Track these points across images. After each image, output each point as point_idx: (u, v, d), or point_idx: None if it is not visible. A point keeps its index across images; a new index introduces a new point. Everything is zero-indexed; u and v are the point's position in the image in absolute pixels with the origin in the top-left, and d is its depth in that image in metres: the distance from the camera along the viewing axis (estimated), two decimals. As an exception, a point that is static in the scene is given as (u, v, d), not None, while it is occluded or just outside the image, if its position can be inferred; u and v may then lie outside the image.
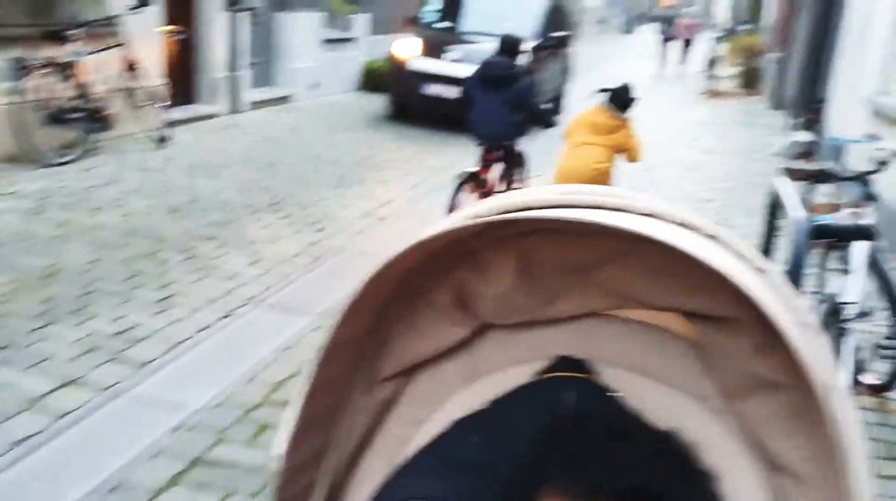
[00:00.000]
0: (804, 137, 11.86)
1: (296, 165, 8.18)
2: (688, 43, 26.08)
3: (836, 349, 3.19)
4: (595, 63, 24.88)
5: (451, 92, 9.90)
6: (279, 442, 0.62)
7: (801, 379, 0.52)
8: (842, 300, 3.40)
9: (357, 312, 0.63)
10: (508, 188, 6.64)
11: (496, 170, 6.37)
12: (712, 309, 0.62)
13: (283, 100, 11.66)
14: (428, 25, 12.09)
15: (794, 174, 10.53)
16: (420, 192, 7.82)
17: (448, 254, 0.67)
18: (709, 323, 0.64)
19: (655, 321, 0.71)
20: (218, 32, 9.95)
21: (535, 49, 10.76)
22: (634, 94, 5.81)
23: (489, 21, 10.82)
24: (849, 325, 3.30)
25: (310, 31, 12.28)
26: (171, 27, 8.92)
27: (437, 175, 8.36)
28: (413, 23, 12.46)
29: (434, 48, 11.10)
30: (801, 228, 2.99)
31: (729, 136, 13.55)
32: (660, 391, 0.69)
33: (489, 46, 7.24)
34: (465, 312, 0.72)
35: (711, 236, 0.56)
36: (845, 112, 10.31)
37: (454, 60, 10.59)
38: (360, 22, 14.00)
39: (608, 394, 0.67)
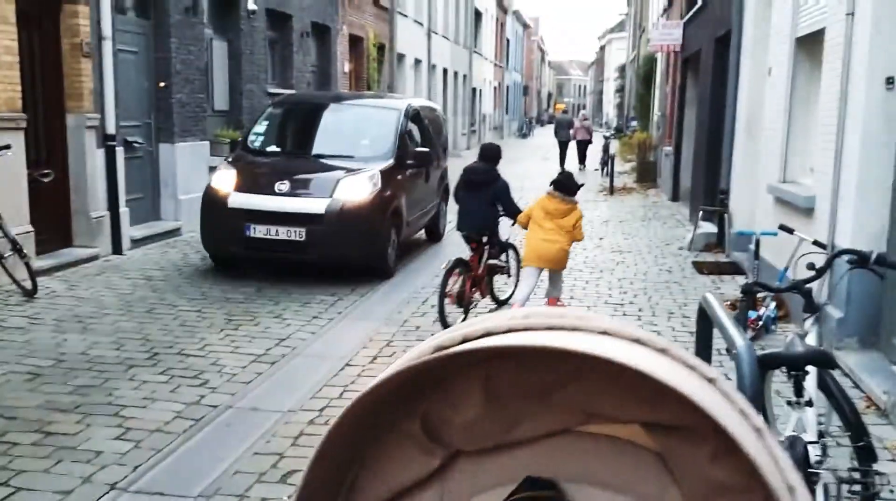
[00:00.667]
0: (709, 228, 11.79)
1: (179, 308, 7.47)
2: (585, 144, 27.15)
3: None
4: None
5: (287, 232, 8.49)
6: None
7: (761, 483, 0.54)
8: (806, 440, 2.91)
9: (328, 453, 0.64)
10: (500, 271, 7.96)
11: (484, 257, 7.56)
12: (670, 420, 0.64)
13: (170, 234, 10.98)
14: (255, 151, 9.97)
15: (707, 268, 10.37)
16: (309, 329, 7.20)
17: (416, 384, 0.67)
18: (668, 433, 0.66)
19: (619, 434, 0.70)
20: (93, 170, 9.30)
21: (386, 171, 9.10)
22: (576, 180, 7.32)
23: (332, 142, 9.73)
24: (818, 468, 2.81)
25: (196, 159, 11.74)
26: (40, 170, 8.28)
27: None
28: (235, 147, 10.52)
29: (259, 178, 8.99)
30: (749, 359, 2.52)
31: (634, 232, 13.43)
32: None
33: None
34: (435, 440, 0.72)
35: (662, 350, 0.58)
36: (747, 202, 10.24)
37: (286, 193, 8.63)
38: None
39: None
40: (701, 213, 11.36)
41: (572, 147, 26.73)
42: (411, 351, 0.65)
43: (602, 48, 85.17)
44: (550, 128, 64.92)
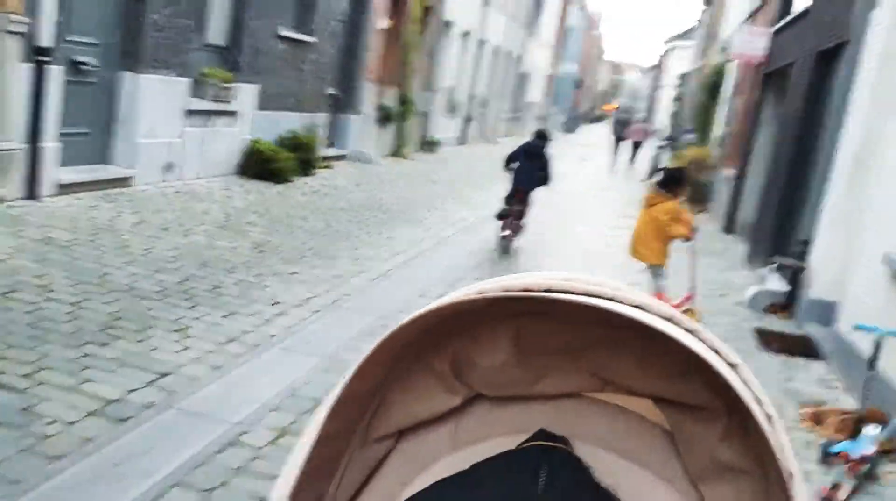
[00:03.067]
0: (777, 284, 9.51)
1: (52, 296, 5.39)
2: (638, 145, 28.07)
3: None
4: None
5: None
6: (280, 488, 0.61)
7: (764, 466, 0.58)
8: None
9: (367, 370, 0.63)
10: (521, 219, 10.45)
11: (520, 205, 10.35)
12: (685, 396, 0.66)
13: (116, 183, 8.88)
14: None
15: (775, 342, 8.12)
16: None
17: (450, 324, 0.67)
18: (680, 410, 0.68)
19: (631, 406, 0.72)
20: (6, 88, 7.22)
21: None
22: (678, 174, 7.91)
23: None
24: None
25: (169, 98, 9.63)
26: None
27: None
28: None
29: None
30: None
31: (679, 268, 11.21)
32: (631, 470, 0.71)
33: None
34: (460, 380, 0.72)
35: (690, 331, 0.59)
36: (837, 263, 7.95)
37: None
38: (244, 94, 11.41)
39: (583, 467, 0.68)
40: (770, 263, 9.06)
41: (626, 147, 27.65)
42: (456, 292, 0.62)
43: (664, 54, 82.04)
44: (597, 126, 62.66)
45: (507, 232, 10.10)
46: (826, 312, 7.96)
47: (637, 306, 0.60)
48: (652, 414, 0.71)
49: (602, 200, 18.26)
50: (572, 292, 0.60)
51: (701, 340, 0.59)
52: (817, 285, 8.14)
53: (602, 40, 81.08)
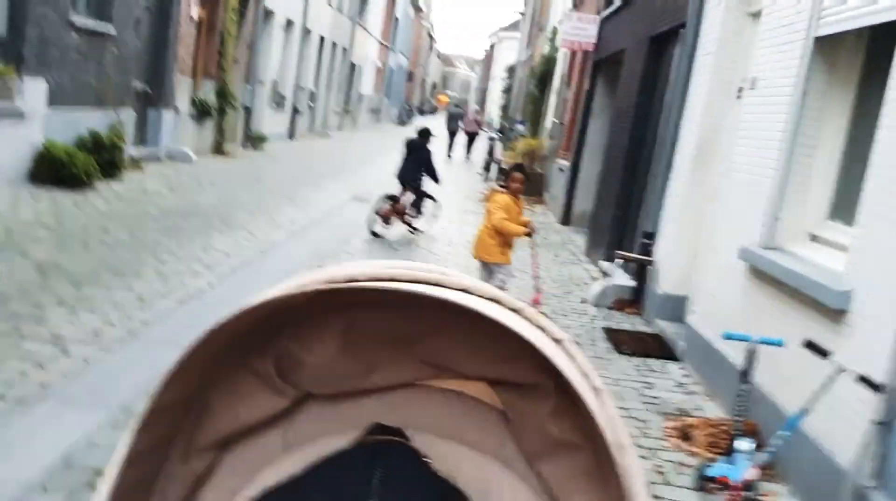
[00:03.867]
0: (623, 279, 9.14)
1: None
2: (472, 137, 28.91)
3: None
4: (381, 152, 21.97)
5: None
6: None
7: (595, 440, 0.57)
8: None
9: (180, 376, 0.61)
10: (417, 212, 11.83)
11: (408, 198, 11.54)
12: (515, 377, 0.66)
13: None
14: None
15: (626, 342, 7.54)
16: None
17: (273, 322, 0.65)
18: (512, 390, 0.68)
19: (466, 390, 0.72)
20: None
21: None
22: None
23: None
24: None
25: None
26: None
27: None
28: None
29: None
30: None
31: (519, 262, 10.74)
32: (469, 455, 0.71)
33: None
34: (286, 381, 0.69)
35: (515, 310, 0.60)
36: (683, 257, 7.63)
37: None
38: (31, 90, 9.98)
39: (419, 457, 0.69)
40: (616, 258, 8.68)
41: (460, 140, 28.73)
42: (274, 288, 0.60)
43: (492, 46, 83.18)
44: (431, 117, 63.20)
45: (378, 227, 11.04)
46: (676, 307, 7.62)
47: (462, 290, 0.61)
48: (488, 397, 0.71)
49: (443, 194, 17.67)
50: (398, 280, 0.60)
51: (525, 318, 0.60)
52: (665, 280, 7.79)
53: (432, 31, 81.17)
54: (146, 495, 0.65)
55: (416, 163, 11.68)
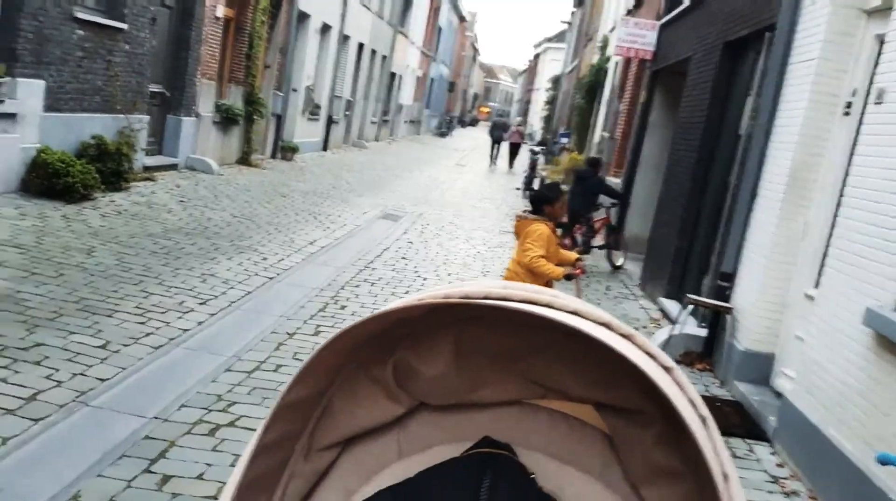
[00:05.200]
0: (692, 328, 7.53)
1: None
2: (515, 147, 29.61)
3: None
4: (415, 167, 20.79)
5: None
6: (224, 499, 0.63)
7: (699, 469, 0.57)
8: None
9: (308, 377, 0.65)
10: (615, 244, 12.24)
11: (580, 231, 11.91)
12: (622, 401, 0.66)
13: None
14: None
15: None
16: None
17: (392, 333, 0.69)
18: (618, 415, 0.68)
19: (572, 412, 0.74)
20: None
21: None
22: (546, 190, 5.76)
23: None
24: None
25: None
26: None
27: None
28: None
29: None
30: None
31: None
32: (573, 475, 0.73)
33: None
34: (403, 389, 0.74)
35: (626, 336, 0.60)
36: (771, 304, 6.29)
37: None
38: (25, 91, 8.92)
39: (528, 473, 0.70)
40: (684, 304, 7.32)
41: (504, 149, 29.81)
42: (396, 302, 0.64)
43: (536, 57, 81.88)
44: (471, 130, 62.18)
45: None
46: (760, 367, 6.28)
47: (573, 312, 0.61)
48: (594, 420, 0.72)
49: (481, 210, 16.44)
50: (510, 300, 0.62)
51: (636, 344, 0.61)
52: (746, 333, 6.44)
53: (476, 42, 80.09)
54: (272, 486, 0.69)
55: (588, 193, 11.83)
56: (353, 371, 0.71)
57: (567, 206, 10.84)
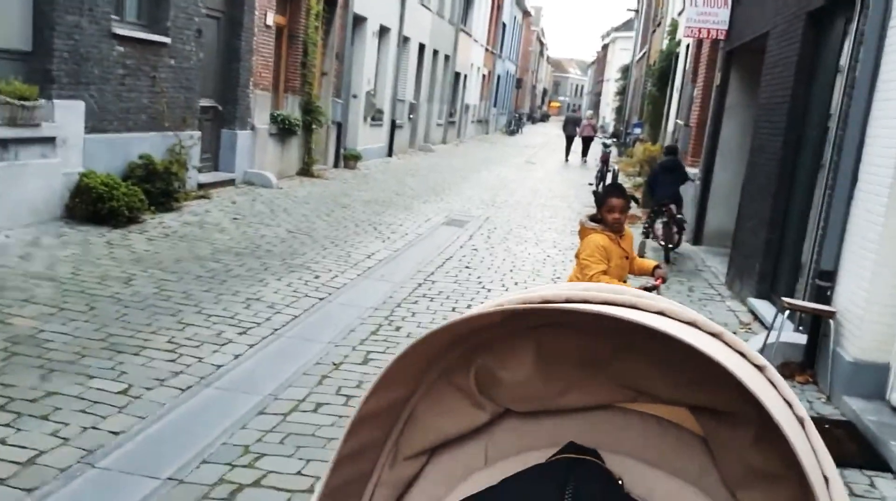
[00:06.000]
0: (790, 334, 6.73)
1: None
2: (588, 141, 30.15)
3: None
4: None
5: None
6: None
7: (799, 470, 0.55)
8: None
9: (386, 386, 0.65)
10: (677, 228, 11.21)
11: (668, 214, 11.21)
12: (715, 403, 0.65)
13: None
14: None
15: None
16: None
17: (472, 340, 0.69)
18: (712, 417, 0.67)
19: (665, 415, 0.72)
20: None
21: None
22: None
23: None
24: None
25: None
26: None
27: None
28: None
29: None
30: None
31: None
32: (665, 480, 0.70)
33: None
34: (486, 396, 0.73)
35: (715, 334, 0.59)
36: (885, 306, 5.44)
37: None
38: (64, 113, 8.60)
39: (614, 479, 0.68)
40: (782, 309, 6.47)
41: (577, 143, 30.18)
42: (473, 308, 0.63)
43: (605, 47, 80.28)
44: (542, 126, 61.54)
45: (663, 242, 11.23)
46: (875, 380, 5.44)
47: (658, 312, 0.60)
48: (689, 423, 0.69)
49: (551, 209, 15.68)
50: (591, 302, 0.61)
51: (725, 342, 0.59)
52: (855, 341, 5.59)
53: (542, 36, 78.92)
54: (357, 495, 0.69)
55: (678, 182, 11.74)
56: (436, 379, 0.71)
57: (659, 197, 11.45)
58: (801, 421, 0.56)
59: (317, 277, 7.99)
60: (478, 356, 0.70)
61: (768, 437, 0.60)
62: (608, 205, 4.75)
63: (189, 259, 7.92)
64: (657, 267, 4.99)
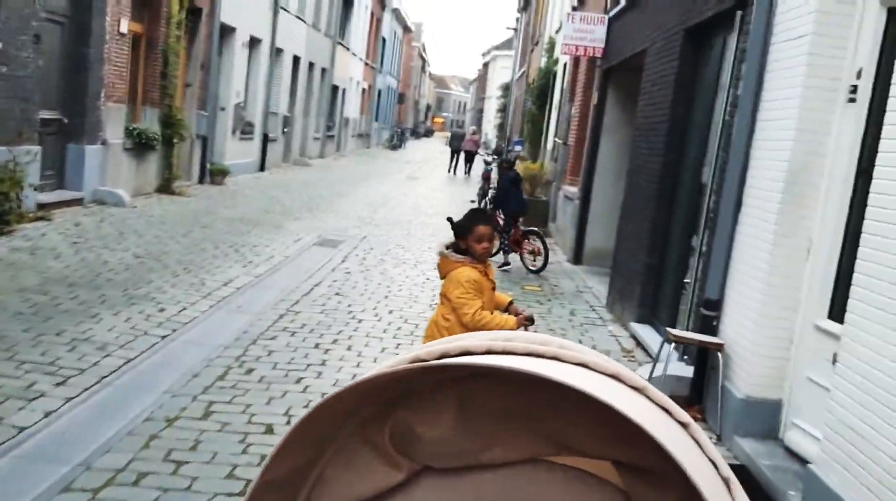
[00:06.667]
0: (676, 367, 6.30)
1: None
2: (471, 156, 31.00)
3: None
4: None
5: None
6: None
7: None
8: None
9: (287, 453, 0.62)
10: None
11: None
12: (641, 461, 0.62)
13: None
14: None
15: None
16: None
17: (388, 394, 0.65)
18: (636, 474, 0.64)
19: (591, 469, 0.68)
20: None
21: None
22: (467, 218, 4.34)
23: None
24: None
25: None
26: None
27: None
28: None
29: None
30: None
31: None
32: None
33: None
34: (403, 454, 0.69)
35: (638, 389, 0.58)
36: (772, 338, 5.08)
37: None
38: None
39: None
40: (668, 342, 6.05)
41: (460, 159, 31.31)
42: (388, 361, 0.62)
43: (486, 65, 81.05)
44: (426, 141, 61.71)
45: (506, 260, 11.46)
46: (766, 418, 5.05)
47: (581, 364, 0.58)
48: (612, 476, 0.68)
49: (432, 228, 15.10)
50: (513, 353, 0.59)
51: (648, 397, 0.57)
52: (745, 376, 5.20)
53: (424, 52, 78.93)
54: None
55: (521, 194, 12.39)
56: (347, 438, 0.66)
57: (513, 210, 11.87)
58: (726, 482, 0.55)
59: (161, 310, 7.12)
60: (396, 409, 0.65)
61: (694, 498, 0.54)
62: (476, 234, 4.17)
63: (9, 292, 6.93)
64: (512, 303, 4.46)
